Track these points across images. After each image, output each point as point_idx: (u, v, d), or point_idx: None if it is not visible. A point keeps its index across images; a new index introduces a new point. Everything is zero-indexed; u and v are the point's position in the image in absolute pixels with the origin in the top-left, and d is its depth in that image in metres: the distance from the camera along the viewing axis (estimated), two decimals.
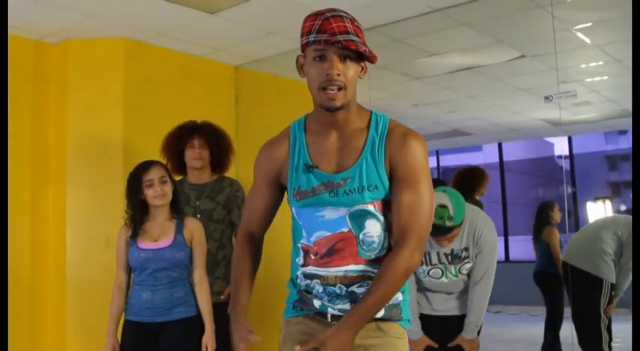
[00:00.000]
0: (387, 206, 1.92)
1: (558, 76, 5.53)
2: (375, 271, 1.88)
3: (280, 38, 5.00)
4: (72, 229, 4.73)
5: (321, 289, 1.94)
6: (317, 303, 1.97)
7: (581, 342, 4.60)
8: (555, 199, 6.70)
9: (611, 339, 4.57)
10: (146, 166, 3.40)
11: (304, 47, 1.87)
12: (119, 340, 3.35)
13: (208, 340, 3.30)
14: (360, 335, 1.86)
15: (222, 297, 3.92)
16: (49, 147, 4.89)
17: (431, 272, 3.30)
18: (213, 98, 5.50)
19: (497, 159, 10.88)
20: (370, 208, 1.89)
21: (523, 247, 7.11)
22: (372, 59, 1.83)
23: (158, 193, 3.34)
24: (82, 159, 4.78)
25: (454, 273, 3.29)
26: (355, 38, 1.79)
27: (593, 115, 8.32)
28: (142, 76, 5.00)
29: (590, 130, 10.13)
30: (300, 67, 1.92)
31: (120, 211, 4.64)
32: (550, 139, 16.55)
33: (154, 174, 3.36)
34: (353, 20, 1.84)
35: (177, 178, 3.95)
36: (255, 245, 2.13)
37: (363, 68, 1.89)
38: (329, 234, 1.91)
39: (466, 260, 3.26)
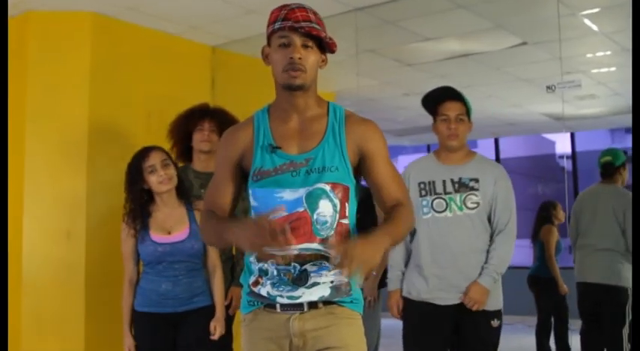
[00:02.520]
0: (342, 190, 2.14)
1: (562, 65, 5.56)
2: (327, 250, 2.08)
3: (261, 17, 4.79)
4: (30, 220, 4.71)
5: (275, 271, 2.12)
6: (267, 291, 2.15)
7: None
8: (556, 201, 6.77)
9: None
10: (145, 151, 3.48)
11: (270, 36, 2.16)
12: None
13: (218, 323, 3.47)
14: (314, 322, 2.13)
15: (225, 302, 3.96)
16: None
17: (434, 203, 3.41)
18: (188, 80, 5.50)
19: (493, 156, 10.91)
20: (326, 188, 2.11)
21: (519, 253, 7.13)
22: (331, 46, 2.14)
23: (162, 177, 3.43)
24: (42, 143, 4.76)
25: (459, 205, 3.37)
26: (317, 26, 2.09)
27: (599, 109, 8.37)
28: (110, 55, 4.98)
29: (594, 126, 10.19)
30: (266, 57, 2.20)
31: (83, 202, 4.70)
32: (551, 137, 16.63)
33: (155, 158, 3.44)
34: (316, 13, 2.14)
35: (182, 164, 4.02)
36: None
37: (324, 60, 2.19)
38: (285, 214, 2.10)
39: (473, 192, 3.38)
